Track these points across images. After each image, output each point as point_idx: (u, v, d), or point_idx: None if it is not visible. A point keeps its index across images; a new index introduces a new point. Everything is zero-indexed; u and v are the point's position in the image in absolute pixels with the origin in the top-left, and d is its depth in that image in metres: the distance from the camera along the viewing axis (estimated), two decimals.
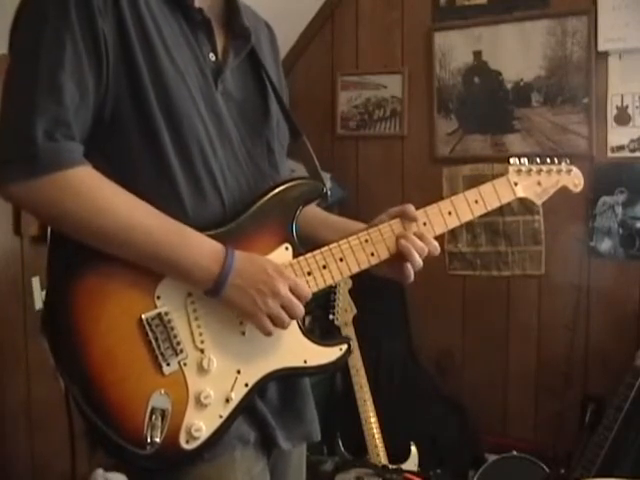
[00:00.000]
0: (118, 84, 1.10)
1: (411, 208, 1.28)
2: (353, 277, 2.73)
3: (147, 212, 1.10)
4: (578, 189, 1.43)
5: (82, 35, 1.06)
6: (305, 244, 1.24)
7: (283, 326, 1.14)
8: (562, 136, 2.83)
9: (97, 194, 1.08)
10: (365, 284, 2.83)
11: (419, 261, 1.25)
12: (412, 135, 3.17)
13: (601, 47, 2.75)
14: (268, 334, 1.14)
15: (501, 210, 2.91)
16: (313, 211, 1.39)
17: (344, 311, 2.78)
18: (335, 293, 2.79)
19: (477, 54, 2.99)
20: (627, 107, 2.75)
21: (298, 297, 1.14)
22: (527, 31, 2.89)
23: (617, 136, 2.78)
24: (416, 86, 3.14)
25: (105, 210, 1.08)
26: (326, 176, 2.97)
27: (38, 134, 1.03)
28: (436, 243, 1.27)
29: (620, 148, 2.78)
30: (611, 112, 2.78)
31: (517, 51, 2.91)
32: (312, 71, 3.34)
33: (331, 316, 2.76)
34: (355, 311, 2.79)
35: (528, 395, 3.00)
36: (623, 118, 2.76)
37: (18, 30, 1.10)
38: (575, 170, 1.43)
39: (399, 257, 1.25)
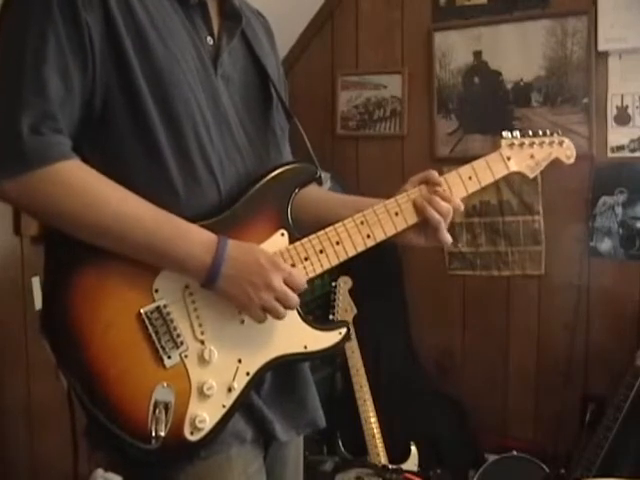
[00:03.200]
0: (108, 74, 1.09)
1: (434, 174, 1.28)
2: (353, 277, 2.75)
3: (139, 204, 1.10)
4: (570, 160, 1.41)
5: (65, 28, 1.05)
6: (318, 226, 1.22)
7: (278, 317, 1.14)
8: None
9: (88, 187, 1.07)
10: (365, 284, 2.83)
11: (439, 219, 1.24)
12: (412, 135, 3.16)
13: (601, 47, 2.75)
14: (262, 322, 1.14)
15: (501, 210, 2.92)
16: (325, 193, 1.39)
17: (344, 311, 2.78)
18: (335, 293, 2.80)
19: (477, 54, 2.99)
20: (627, 107, 2.75)
21: (292, 288, 1.13)
22: (527, 31, 2.89)
23: (617, 136, 2.77)
24: (416, 86, 3.14)
25: (97, 203, 1.07)
26: (326, 176, 2.97)
27: (24, 129, 1.02)
28: (459, 201, 1.28)
29: (620, 148, 2.77)
30: (611, 112, 2.78)
31: (517, 51, 2.91)
32: (312, 71, 3.33)
33: (331, 316, 2.76)
34: (355, 311, 2.80)
35: (528, 395, 2.99)
36: (623, 118, 2.76)
37: (1, 25, 1.09)
38: (567, 142, 1.41)
39: (424, 223, 1.26)
